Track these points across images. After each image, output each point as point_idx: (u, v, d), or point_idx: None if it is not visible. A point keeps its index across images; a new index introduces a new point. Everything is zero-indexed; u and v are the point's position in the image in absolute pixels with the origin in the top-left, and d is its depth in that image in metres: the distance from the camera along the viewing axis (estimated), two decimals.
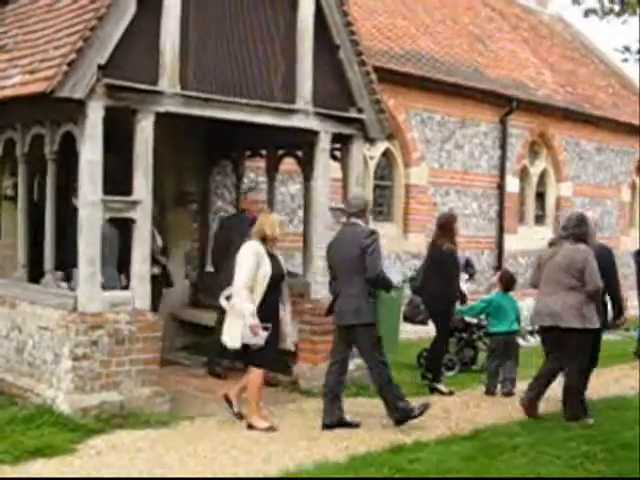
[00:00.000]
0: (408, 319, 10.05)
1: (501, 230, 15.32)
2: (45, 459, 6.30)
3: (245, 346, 7.25)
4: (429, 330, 9.74)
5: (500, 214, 15.33)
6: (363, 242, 7.28)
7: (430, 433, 7.40)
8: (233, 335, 7.28)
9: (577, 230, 7.72)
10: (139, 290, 7.62)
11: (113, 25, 7.28)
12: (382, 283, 7.52)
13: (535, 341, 13.93)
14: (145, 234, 7.65)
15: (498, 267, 15.24)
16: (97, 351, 7.29)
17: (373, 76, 9.18)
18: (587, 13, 8.95)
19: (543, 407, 8.58)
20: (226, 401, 7.68)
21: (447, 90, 14.09)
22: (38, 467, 6.16)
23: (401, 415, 7.49)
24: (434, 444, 7.00)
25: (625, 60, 9.34)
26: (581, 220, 7.80)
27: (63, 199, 8.14)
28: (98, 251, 7.39)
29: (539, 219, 17.06)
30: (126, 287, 7.79)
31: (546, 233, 16.79)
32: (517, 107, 15.24)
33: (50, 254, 7.86)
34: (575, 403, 7.83)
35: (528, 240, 16.23)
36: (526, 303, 15.36)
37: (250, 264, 7.32)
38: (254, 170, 11.17)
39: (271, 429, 7.33)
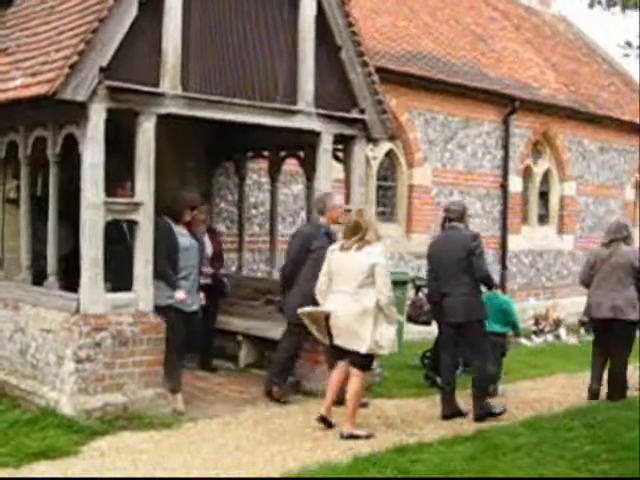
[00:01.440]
0: (412, 319, 10.07)
1: (505, 230, 15.31)
2: (49, 461, 6.31)
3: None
4: (432, 330, 9.71)
5: (503, 214, 15.32)
6: (470, 245, 7.90)
7: (433, 434, 7.41)
8: (394, 341, 7.38)
9: (624, 234, 9.03)
10: (142, 292, 7.63)
11: (115, 27, 7.29)
12: (487, 281, 8.18)
13: (539, 341, 13.96)
14: (148, 236, 7.64)
15: (502, 267, 15.25)
16: (100, 353, 7.30)
17: (375, 77, 9.18)
18: (592, 4, 8.90)
19: (545, 406, 8.59)
20: (323, 422, 7.45)
21: (450, 90, 14.08)
22: (42, 469, 6.16)
23: (485, 412, 7.93)
24: (437, 445, 7.00)
25: (626, 55, 9.32)
26: (624, 226, 9.18)
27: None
28: (101, 253, 7.39)
29: (543, 219, 17.03)
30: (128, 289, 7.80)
31: (550, 232, 16.80)
32: (520, 107, 15.22)
33: (53, 256, 7.88)
34: (623, 384, 8.95)
35: (532, 240, 16.23)
36: (530, 303, 15.45)
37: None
38: (256, 171, 11.18)
39: (371, 436, 7.27)
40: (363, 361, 7.34)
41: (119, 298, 7.56)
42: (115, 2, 7.26)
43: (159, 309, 7.77)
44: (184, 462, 6.42)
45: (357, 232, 7.35)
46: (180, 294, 7.81)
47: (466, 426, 7.74)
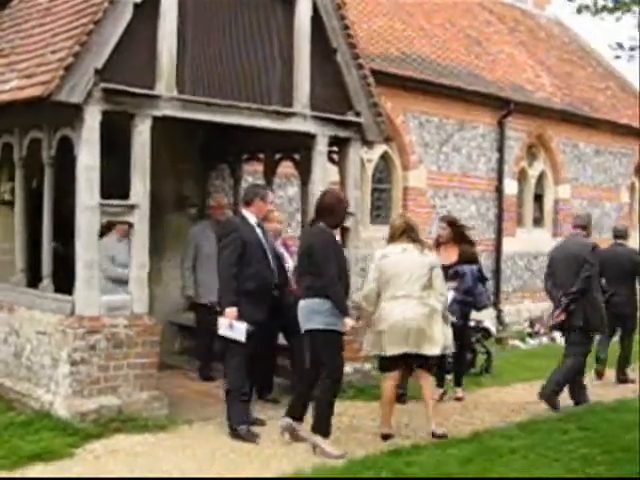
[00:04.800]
0: None
1: (499, 232, 15.31)
2: (43, 464, 6.30)
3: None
4: None
5: (498, 216, 15.32)
6: (636, 258, 10.53)
7: (429, 436, 7.40)
8: (450, 341, 7.55)
9: None
10: (137, 294, 7.62)
11: (110, 29, 7.29)
12: None
13: (534, 343, 13.98)
14: (143, 238, 7.64)
15: (497, 270, 15.25)
16: (95, 355, 7.28)
17: (370, 79, 9.18)
18: (580, 10, 8.89)
19: (541, 409, 8.58)
20: (387, 438, 7.28)
21: (445, 93, 14.09)
22: (36, 472, 6.15)
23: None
24: (432, 447, 7.00)
25: (617, 57, 9.32)
26: None
27: None
28: (96, 255, 7.39)
29: (537, 221, 17.04)
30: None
31: (545, 235, 16.80)
32: (515, 109, 15.23)
33: (48, 259, 7.86)
34: None
35: (526, 242, 16.23)
36: (525, 305, 15.48)
37: None
38: (252, 174, 11.16)
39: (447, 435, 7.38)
40: (433, 361, 7.46)
41: (114, 300, 7.54)
42: (110, 4, 7.26)
43: (314, 332, 6.88)
44: (179, 464, 6.41)
45: (410, 234, 7.36)
46: (350, 321, 6.91)
47: (461, 428, 7.74)
